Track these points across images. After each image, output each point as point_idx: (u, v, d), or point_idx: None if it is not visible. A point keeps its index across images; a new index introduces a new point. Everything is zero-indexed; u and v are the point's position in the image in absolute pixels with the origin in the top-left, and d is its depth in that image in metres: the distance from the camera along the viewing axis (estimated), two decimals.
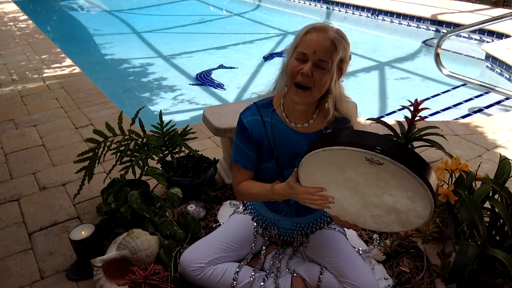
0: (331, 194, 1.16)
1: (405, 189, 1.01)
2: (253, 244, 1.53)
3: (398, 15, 6.40)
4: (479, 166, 1.73)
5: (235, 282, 1.41)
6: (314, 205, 1.20)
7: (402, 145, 1.03)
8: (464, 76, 3.71)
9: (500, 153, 1.75)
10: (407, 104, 2.08)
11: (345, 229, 1.57)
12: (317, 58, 1.17)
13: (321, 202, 1.18)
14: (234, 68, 4.85)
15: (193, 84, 4.40)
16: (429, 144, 2.10)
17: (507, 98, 3.68)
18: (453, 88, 4.09)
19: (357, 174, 1.05)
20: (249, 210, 1.58)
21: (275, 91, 1.35)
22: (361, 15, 7.03)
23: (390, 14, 6.52)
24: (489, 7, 6.40)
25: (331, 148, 1.04)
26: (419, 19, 6.13)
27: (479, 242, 1.39)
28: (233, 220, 1.60)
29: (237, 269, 1.43)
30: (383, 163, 0.98)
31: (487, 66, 4.53)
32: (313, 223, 1.50)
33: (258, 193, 1.36)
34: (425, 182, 0.98)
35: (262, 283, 1.41)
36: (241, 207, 1.62)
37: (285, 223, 1.50)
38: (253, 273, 1.43)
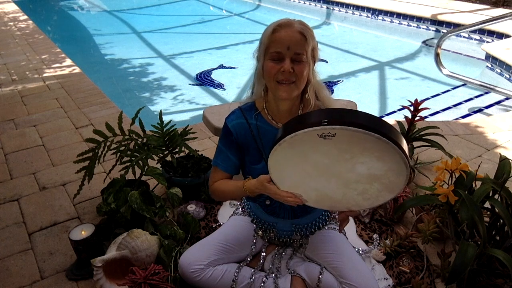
0: (310, 187, 1.14)
1: (370, 151, 1.00)
2: (253, 246, 1.53)
3: (398, 15, 6.40)
4: (479, 166, 1.73)
5: (234, 284, 1.40)
6: (288, 203, 1.21)
7: (349, 110, 1.01)
8: (464, 76, 3.71)
9: (500, 153, 1.75)
10: (407, 104, 2.08)
11: (345, 229, 1.57)
12: (292, 53, 1.18)
13: (294, 201, 1.18)
14: (234, 68, 4.85)
15: (193, 84, 4.40)
16: (429, 144, 2.10)
17: (507, 98, 3.68)
18: (453, 88, 4.09)
19: (321, 156, 1.04)
20: (247, 212, 1.58)
21: (253, 96, 1.35)
22: (361, 15, 7.03)
23: (390, 14, 6.52)
24: (489, 7, 6.40)
25: (284, 140, 1.03)
26: (419, 19, 6.13)
27: (479, 242, 1.39)
28: (232, 221, 1.60)
29: (237, 270, 1.43)
30: (335, 133, 0.97)
31: (487, 66, 4.53)
32: (312, 224, 1.50)
33: (230, 190, 1.36)
34: (384, 136, 0.95)
35: (262, 284, 1.41)
36: (240, 209, 1.62)
37: (283, 225, 1.49)
38: (252, 274, 1.43)
